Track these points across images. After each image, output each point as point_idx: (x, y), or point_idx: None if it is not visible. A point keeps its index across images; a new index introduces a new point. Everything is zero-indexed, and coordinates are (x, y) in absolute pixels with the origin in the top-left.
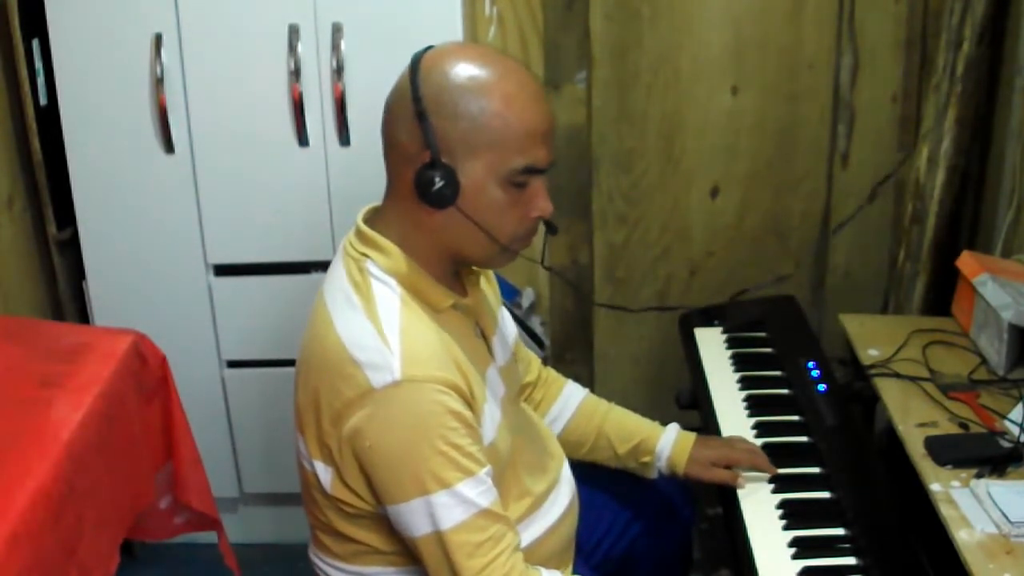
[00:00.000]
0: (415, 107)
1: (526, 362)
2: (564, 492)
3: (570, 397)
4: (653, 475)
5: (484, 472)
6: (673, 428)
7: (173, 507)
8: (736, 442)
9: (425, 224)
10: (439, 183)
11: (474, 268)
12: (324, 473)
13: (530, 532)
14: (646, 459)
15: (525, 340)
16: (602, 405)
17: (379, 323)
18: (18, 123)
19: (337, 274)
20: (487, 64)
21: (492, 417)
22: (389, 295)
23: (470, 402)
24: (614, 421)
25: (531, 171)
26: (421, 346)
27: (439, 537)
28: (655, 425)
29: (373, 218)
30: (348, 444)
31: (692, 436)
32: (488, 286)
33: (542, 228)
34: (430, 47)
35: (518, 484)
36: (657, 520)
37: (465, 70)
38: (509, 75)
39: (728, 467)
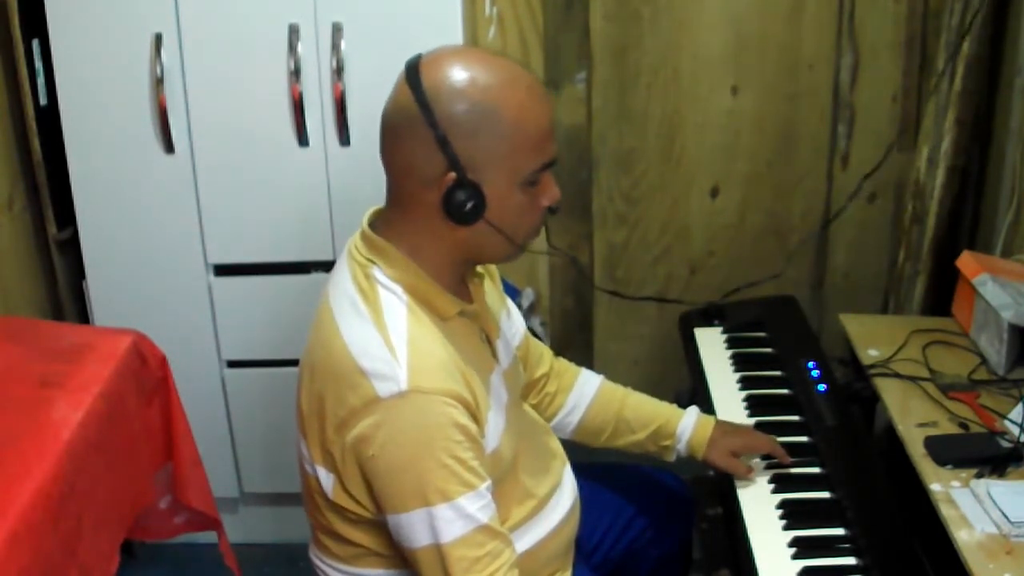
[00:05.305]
0: (434, 132)
1: (537, 354)
2: (566, 493)
3: (585, 385)
4: (672, 458)
5: (485, 487)
6: (693, 411)
7: (173, 507)
8: (754, 430)
9: (447, 237)
10: (469, 203)
11: (479, 270)
12: (326, 479)
13: (533, 534)
14: (666, 442)
15: None
16: (619, 391)
17: (386, 332)
18: (18, 123)
19: (342, 279)
20: (493, 74)
21: (495, 425)
22: (396, 303)
23: (475, 414)
24: (632, 406)
25: (545, 167)
26: (428, 357)
27: (438, 550)
28: (674, 408)
29: (379, 224)
30: (351, 452)
31: (712, 420)
32: (492, 286)
33: None
34: (418, 57)
35: (521, 487)
36: (657, 520)
37: (474, 85)
38: (516, 81)
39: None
